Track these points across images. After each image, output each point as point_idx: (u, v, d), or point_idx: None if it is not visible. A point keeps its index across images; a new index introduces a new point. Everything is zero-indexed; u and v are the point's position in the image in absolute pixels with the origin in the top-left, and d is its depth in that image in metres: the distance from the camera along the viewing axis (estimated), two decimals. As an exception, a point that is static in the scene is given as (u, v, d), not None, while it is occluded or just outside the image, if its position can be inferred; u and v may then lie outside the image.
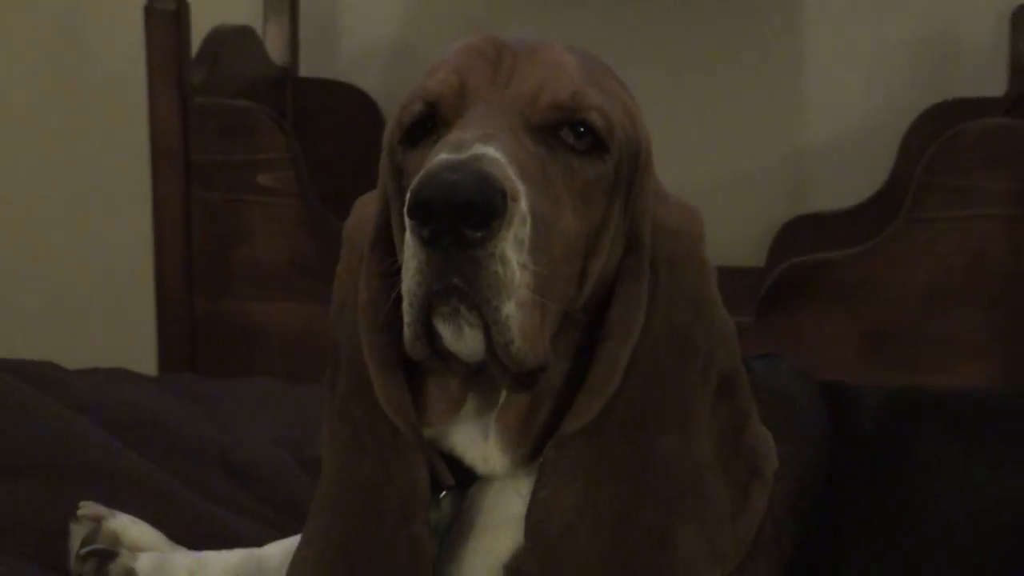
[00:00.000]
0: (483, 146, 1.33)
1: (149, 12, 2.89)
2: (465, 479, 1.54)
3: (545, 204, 1.36)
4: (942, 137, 2.88)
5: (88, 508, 1.76)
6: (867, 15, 3.45)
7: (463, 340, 1.35)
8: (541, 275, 1.33)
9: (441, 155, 1.31)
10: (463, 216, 1.28)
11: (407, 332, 1.37)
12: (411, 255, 1.33)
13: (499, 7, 3.52)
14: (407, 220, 1.31)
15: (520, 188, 1.32)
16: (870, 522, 1.57)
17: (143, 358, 2.92)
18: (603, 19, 3.48)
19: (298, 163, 2.91)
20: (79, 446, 1.94)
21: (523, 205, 1.32)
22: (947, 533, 1.55)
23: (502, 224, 1.29)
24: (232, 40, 3.18)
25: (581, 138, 1.42)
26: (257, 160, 2.92)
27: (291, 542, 1.71)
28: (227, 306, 2.96)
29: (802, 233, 3.34)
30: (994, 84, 3.34)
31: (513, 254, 1.31)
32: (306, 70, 3.51)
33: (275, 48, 3.43)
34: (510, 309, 1.31)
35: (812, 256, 2.90)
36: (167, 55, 2.90)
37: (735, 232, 3.41)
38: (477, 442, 1.51)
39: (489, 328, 1.32)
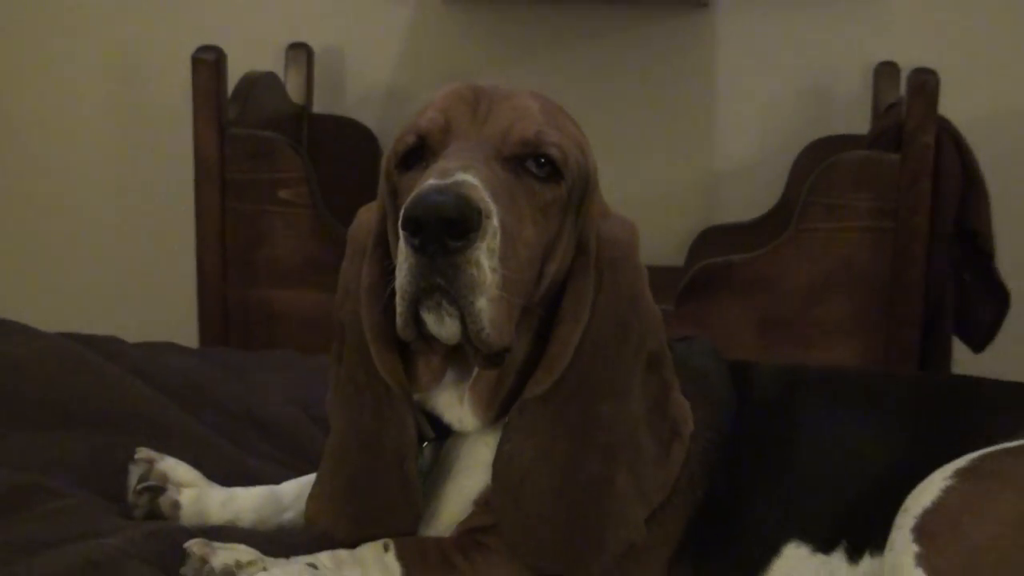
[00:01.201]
0: (463, 174, 1.35)
1: (195, 61, 2.88)
2: (443, 434, 1.55)
3: (512, 220, 1.38)
4: (821, 165, 2.89)
5: (143, 452, 1.76)
6: (765, 67, 3.45)
7: (444, 327, 1.37)
8: (508, 277, 1.36)
9: (430, 180, 1.34)
10: (446, 229, 1.31)
11: (399, 319, 1.39)
12: (403, 259, 1.35)
13: (477, 59, 3.51)
14: (401, 231, 1.33)
15: (492, 207, 1.34)
16: (762, 471, 1.59)
17: (187, 334, 2.91)
18: (555, 69, 3.48)
19: (311, 181, 2.91)
20: (136, 403, 1.94)
21: (495, 221, 1.34)
22: (815, 475, 1.58)
23: (477, 236, 1.32)
24: (259, 83, 3.17)
25: (542, 168, 1.44)
26: (278, 179, 2.91)
27: (303, 480, 1.72)
28: (253, 294, 2.95)
29: (712, 240, 3.34)
30: (861, 124, 3.36)
31: (486, 260, 1.33)
32: (319, 108, 3.49)
33: (294, 90, 3.42)
34: (482, 304, 1.34)
35: (720, 258, 2.91)
36: (208, 95, 2.89)
37: (661, 239, 3.41)
38: (454, 406, 1.53)
39: (465, 318, 1.35)
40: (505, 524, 1.49)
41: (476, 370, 1.50)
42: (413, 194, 1.34)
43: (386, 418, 1.52)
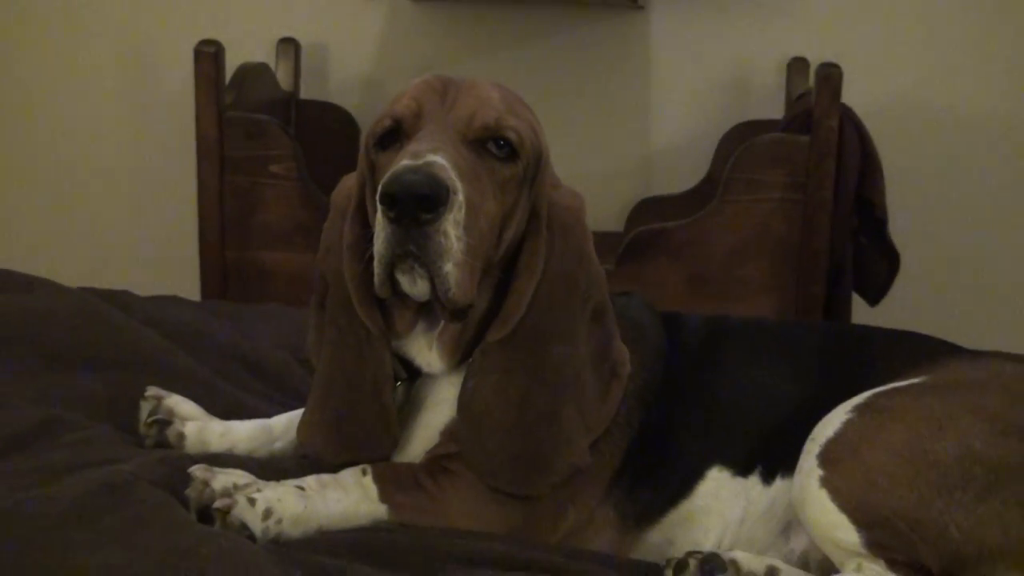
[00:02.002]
0: (433, 155, 1.36)
1: (197, 53, 2.86)
2: (414, 375, 1.56)
3: (475, 195, 1.39)
4: (741, 146, 2.90)
5: (152, 390, 1.76)
6: (692, 61, 3.45)
7: (416, 287, 1.39)
8: (471, 244, 1.37)
9: (404, 161, 1.35)
10: (419, 204, 1.32)
11: (376, 280, 1.40)
12: (380, 228, 1.37)
13: (442, 53, 3.49)
14: (379, 205, 1.34)
15: (459, 185, 1.36)
16: (689, 406, 1.60)
17: (190, 289, 2.89)
18: (512, 62, 3.47)
19: (298, 158, 2.89)
20: (146, 348, 1.93)
21: (460, 197, 1.35)
22: (735, 410, 1.59)
23: (446, 209, 1.34)
24: (253, 73, 3.15)
25: (501, 148, 1.46)
26: (270, 155, 2.90)
27: (291, 414, 1.73)
28: (248, 255, 2.94)
29: (648, 210, 3.34)
30: (775, 111, 3.36)
31: (452, 230, 1.35)
32: (305, 94, 3.47)
33: (283, 78, 3.40)
34: (449, 268, 1.36)
35: (654, 225, 2.91)
36: (208, 83, 2.87)
37: (603, 208, 3.42)
38: (424, 351, 1.54)
39: (434, 280, 1.37)
40: (467, 451, 1.49)
41: (443, 322, 1.51)
42: (389, 172, 1.35)
43: (366, 357, 1.52)
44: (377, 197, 1.35)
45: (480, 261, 1.42)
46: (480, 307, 1.49)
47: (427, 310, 1.50)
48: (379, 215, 1.36)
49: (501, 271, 1.50)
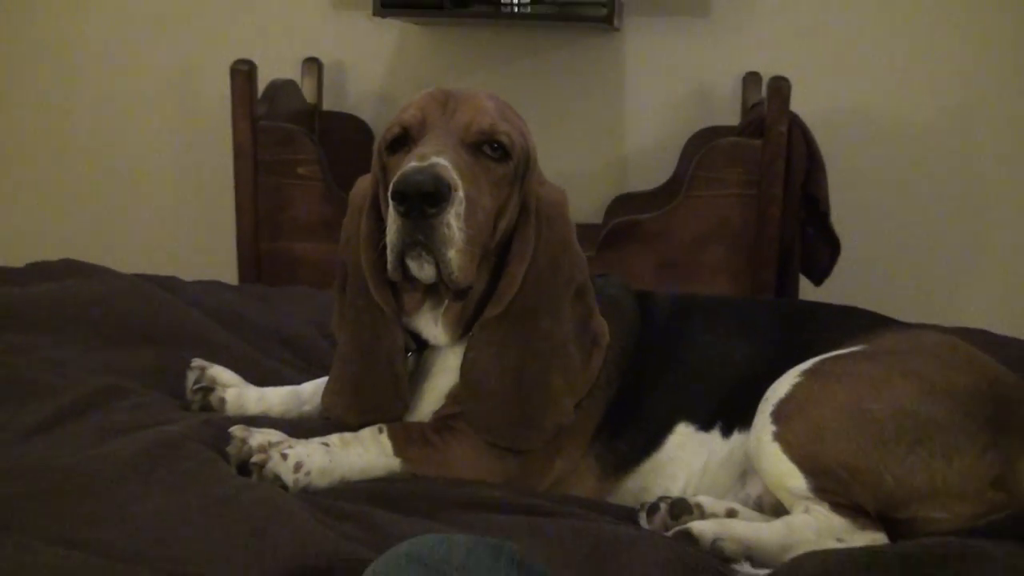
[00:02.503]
0: (437, 157, 1.37)
1: (233, 71, 2.85)
2: (423, 346, 1.56)
3: (473, 191, 1.39)
4: (703, 148, 2.89)
5: (197, 362, 1.75)
6: (661, 75, 3.44)
7: (423, 271, 1.39)
8: (470, 233, 1.38)
9: (412, 163, 1.36)
10: (424, 200, 1.33)
11: (389, 265, 1.41)
12: (391, 221, 1.37)
13: (444, 69, 3.49)
14: (390, 201, 1.35)
15: (459, 182, 1.36)
16: (660, 371, 1.59)
17: (229, 275, 2.89)
18: (506, 76, 3.46)
19: (321, 161, 2.89)
20: (191, 325, 1.93)
21: (460, 193, 1.36)
22: (699, 374, 1.59)
23: (448, 204, 1.34)
24: (282, 88, 3.15)
25: (495, 151, 1.46)
26: (297, 159, 2.90)
27: (317, 381, 1.73)
28: (278, 246, 2.94)
29: (623, 204, 3.34)
30: (733, 118, 3.36)
31: (454, 221, 1.36)
32: (327, 106, 3.47)
33: (308, 93, 3.39)
34: (452, 254, 1.36)
35: (629, 217, 2.91)
36: (243, 96, 2.86)
37: (585, 203, 3.42)
38: (431, 326, 1.54)
39: (439, 265, 1.37)
40: (468, 411, 1.50)
41: (447, 301, 1.51)
42: (399, 173, 1.35)
43: (380, 333, 1.53)
44: (389, 194, 1.36)
45: (479, 248, 1.42)
46: (478, 288, 1.49)
47: (433, 291, 1.50)
48: (391, 210, 1.37)
49: (496, 256, 1.50)
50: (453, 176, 1.36)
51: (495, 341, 1.48)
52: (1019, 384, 1.47)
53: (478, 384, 1.48)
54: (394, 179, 1.35)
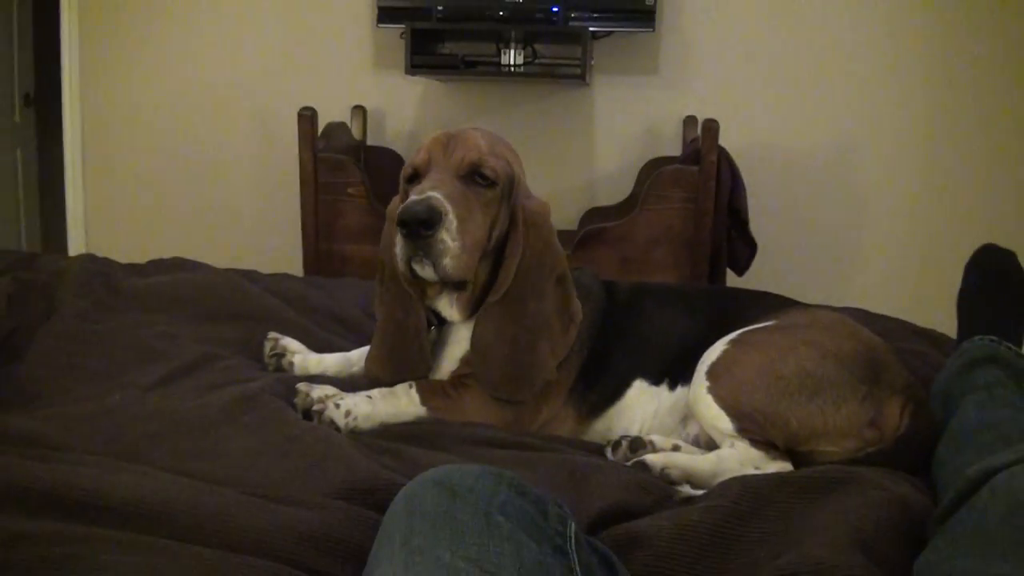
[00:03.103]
0: (432, 192, 1.36)
1: (300, 115, 2.84)
2: (442, 323, 1.54)
3: (464, 212, 1.38)
4: (654, 173, 2.89)
5: (272, 334, 1.75)
6: (622, 118, 3.44)
7: (425, 272, 1.38)
8: (465, 242, 1.37)
9: (412, 196, 1.36)
10: (421, 225, 1.33)
11: (400, 268, 1.41)
12: (398, 239, 1.37)
13: (459, 113, 3.48)
14: (397, 226, 1.35)
15: (449, 208, 1.35)
16: (620, 339, 1.58)
17: (296, 269, 2.89)
18: (504, 119, 3.46)
19: (366, 184, 2.88)
20: (267, 307, 1.92)
21: (451, 216, 1.35)
22: (651, 342, 1.57)
23: (440, 227, 1.34)
24: (336, 128, 3.14)
25: (484, 179, 1.43)
26: (348, 182, 2.90)
27: (363, 349, 1.71)
28: (334, 247, 2.93)
29: (593, 215, 3.33)
30: (675, 150, 3.36)
31: (447, 237, 1.35)
32: (371, 142, 3.46)
33: (356, 131, 3.38)
34: (446, 261, 1.36)
35: (597, 225, 2.91)
36: (308, 135, 2.86)
37: (564, 214, 3.42)
38: (447, 308, 1.52)
39: (436, 269, 1.36)
40: (477, 372, 1.48)
41: (456, 291, 1.49)
42: (402, 206, 1.35)
43: (409, 312, 1.51)
44: (396, 221, 1.35)
45: (477, 252, 1.41)
46: (482, 278, 1.48)
47: (448, 284, 1.49)
48: (397, 231, 1.37)
49: (494, 255, 1.48)
50: (444, 205, 1.35)
51: (495, 319, 1.47)
52: (888, 349, 1.47)
53: (484, 352, 1.47)
54: (398, 210, 1.35)
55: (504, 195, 1.46)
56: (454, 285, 1.45)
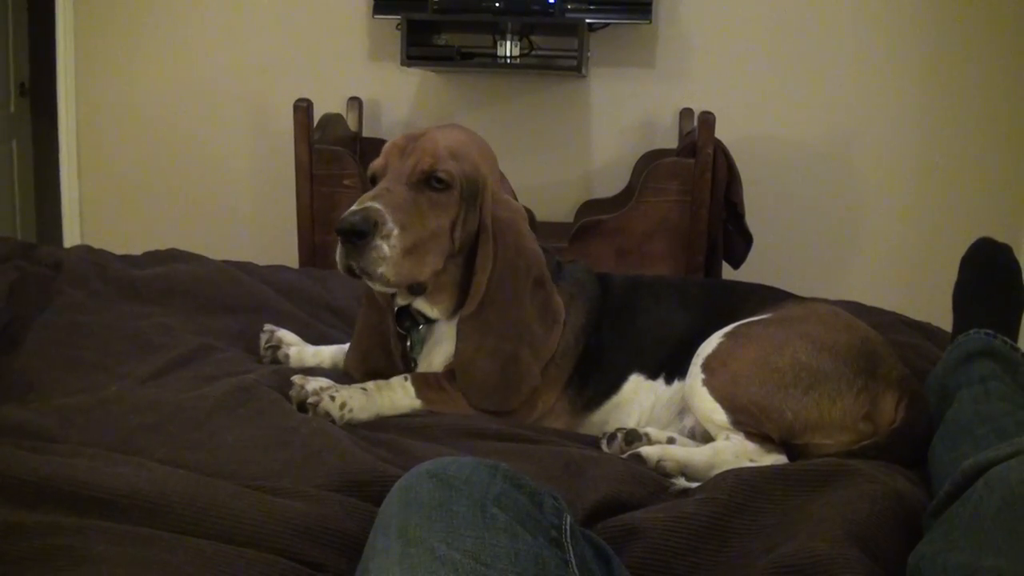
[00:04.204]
0: (371, 202, 1.36)
1: (295, 107, 2.83)
2: (428, 322, 1.54)
3: (409, 218, 1.37)
4: (650, 165, 2.88)
5: (268, 326, 1.75)
6: (618, 111, 3.43)
7: (365, 279, 1.38)
8: (406, 248, 1.36)
9: (352, 207, 1.36)
10: (354, 234, 1.33)
11: (342, 271, 1.40)
12: (338, 247, 1.37)
13: (452, 105, 3.47)
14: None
15: (387, 216, 1.35)
16: (616, 333, 1.57)
17: (292, 260, 2.89)
18: (497, 112, 3.45)
19: (362, 175, 2.87)
20: (263, 299, 1.92)
21: (389, 224, 1.35)
22: (648, 336, 1.57)
23: (375, 235, 1.33)
24: (332, 120, 3.13)
25: (439, 183, 1.42)
26: (343, 174, 2.88)
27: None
28: (329, 239, 2.92)
29: (589, 207, 3.33)
30: (672, 142, 3.35)
31: (384, 245, 1.34)
32: (366, 133, 3.45)
33: (351, 123, 3.37)
34: (382, 269, 1.35)
35: (593, 217, 2.90)
36: (303, 126, 2.84)
37: (560, 206, 3.40)
38: (429, 309, 1.52)
39: (371, 276, 1.36)
40: (462, 387, 1.48)
41: (434, 294, 1.49)
42: (341, 217, 1.35)
43: (383, 317, 1.54)
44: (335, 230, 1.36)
45: (432, 256, 1.41)
46: (455, 278, 1.47)
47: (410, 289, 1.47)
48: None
49: (464, 257, 1.47)
50: (381, 214, 1.34)
51: (475, 332, 1.46)
52: (883, 342, 1.47)
53: (467, 368, 1.47)
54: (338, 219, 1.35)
55: (465, 196, 1.44)
56: (413, 289, 1.43)
